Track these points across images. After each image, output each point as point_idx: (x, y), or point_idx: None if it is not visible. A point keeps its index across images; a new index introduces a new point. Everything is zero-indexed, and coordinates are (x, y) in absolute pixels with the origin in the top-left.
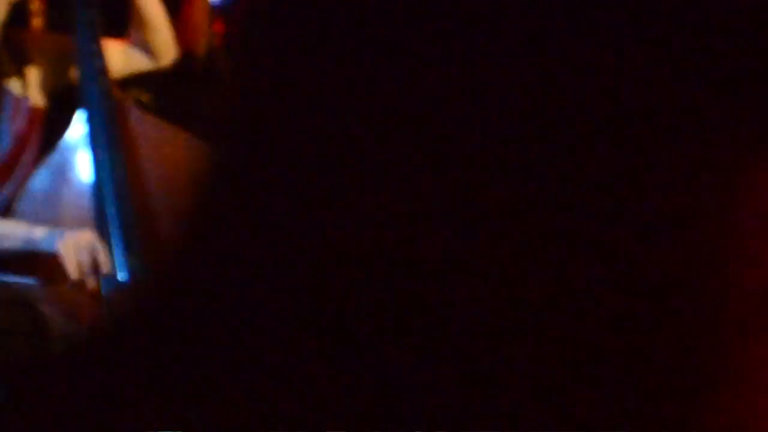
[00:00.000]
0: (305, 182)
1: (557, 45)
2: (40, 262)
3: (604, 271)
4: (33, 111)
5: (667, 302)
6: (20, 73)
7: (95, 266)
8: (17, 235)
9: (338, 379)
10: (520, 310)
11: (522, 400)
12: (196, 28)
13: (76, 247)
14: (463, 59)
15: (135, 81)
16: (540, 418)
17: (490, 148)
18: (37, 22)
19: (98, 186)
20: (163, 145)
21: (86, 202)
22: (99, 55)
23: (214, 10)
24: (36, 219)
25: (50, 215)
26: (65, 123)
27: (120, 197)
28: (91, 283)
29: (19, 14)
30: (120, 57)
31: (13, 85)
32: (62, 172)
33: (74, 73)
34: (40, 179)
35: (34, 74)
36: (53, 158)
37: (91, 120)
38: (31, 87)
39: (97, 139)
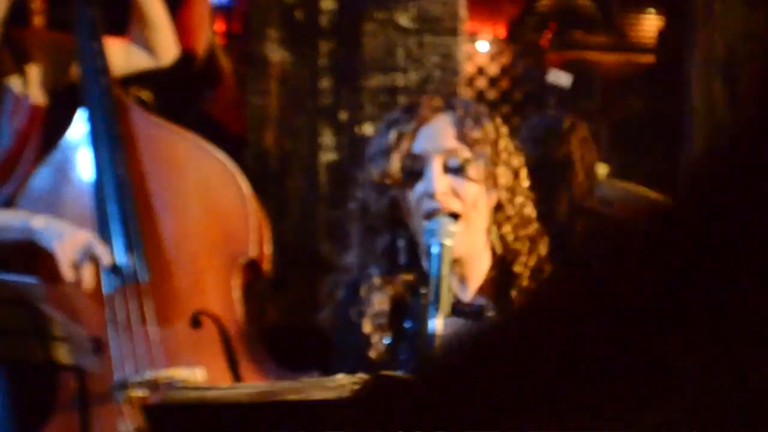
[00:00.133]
0: None
1: None
2: (41, 262)
3: None
4: (34, 109)
5: None
6: (21, 71)
7: (93, 266)
8: (15, 224)
9: None
10: None
11: None
12: (197, 27)
13: (72, 248)
14: None
15: (136, 79)
16: None
17: None
18: (38, 20)
19: (99, 185)
20: (164, 144)
21: (87, 201)
22: (100, 53)
23: (215, 9)
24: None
25: (51, 214)
26: (66, 121)
27: (121, 196)
28: (87, 283)
29: (20, 12)
30: (121, 56)
31: (14, 83)
32: (63, 171)
33: (75, 72)
34: (40, 178)
35: (35, 72)
36: (54, 156)
37: (92, 118)
38: (32, 85)
39: (98, 138)
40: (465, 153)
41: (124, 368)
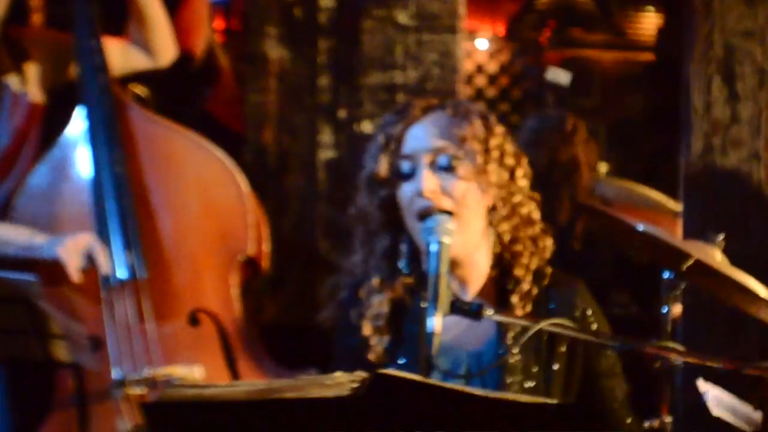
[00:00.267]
0: None
1: None
2: (41, 261)
3: None
4: (32, 107)
5: None
6: (19, 69)
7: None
8: (18, 242)
9: None
10: None
11: None
12: (196, 28)
13: (77, 251)
14: None
15: (134, 77)
16: None
17: None
18: (36, 18)
19: (97, 182)
20: (162, 142)
21: (86, 199)
22: (98, 51)
23: (214, 6)
24: (35, 215)
25: (49, 211)
26: (65, 119)
27: (119, 194)
28: (90, 280)
29: (18, 10)
30: (119, 55)
31: (12, 81)
32: (62, 169)
33: (74, 70)
34: (39, 175)
35: (33, 70)
36: (53, 154)
37: (90, 116)
38: (30, 83)
39: (96, 136)
40: (453, 151)
41: (123, 366)
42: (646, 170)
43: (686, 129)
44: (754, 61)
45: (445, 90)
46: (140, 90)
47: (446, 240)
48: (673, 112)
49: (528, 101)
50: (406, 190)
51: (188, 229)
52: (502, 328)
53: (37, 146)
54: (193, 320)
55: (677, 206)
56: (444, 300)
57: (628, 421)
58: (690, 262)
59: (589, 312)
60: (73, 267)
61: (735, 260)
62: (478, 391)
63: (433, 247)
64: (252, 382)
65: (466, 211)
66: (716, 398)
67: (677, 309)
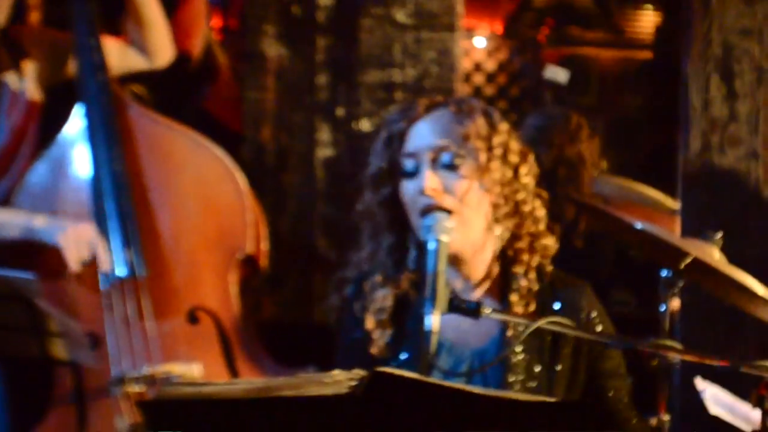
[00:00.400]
0: None
1: None
2: (39, 256)
3: None
4: (30, 105)
5: None
6: (18, 67)
7: (94, 261)
8: (16, 223)
9: None
10: None
11: None
12: (194, 29)
13: (78, 241)
14: None
15: (132, 77)
16: None
17: None
18: (34, 16)
19: (96, 180)
20: (161, 140)
21: (84, 197)
22: (97, 49)
23: (212, 4)
24: (34, 212)
25: (48, 210)
26: (63, 117)
27: (118, 192)
28: (89, 277)
29: (16, 9)
30: (116, 55)
31: (11, 79)
32: (60, 167)
33: (72, 68)
34: (37, 173)
35: (31, 68)
36: (51, 152)
37: (89, 114)
38: (28, 81)
39: (95, 134)
40: (455, 149)
41: (121, 363)
42: (644, 168)
43: (684, 127)
44: (752, 59)
45: (444, 88)
46: (138, 89)
47: (444, 238)
48: (672, 110)
49: (526, 99)
50: (409, 188)
51: (187, 227)
52: (505, 327)
53: (35, 144)
54: (192, 318)
55: (675, 204)
56: (442, 298)
57: (634, 421)
58: (688, 261)
59: (594, 314)
60: (73, 257)
61: (733, 258)
62: (476, 390)
63: (431, 245)
64: (250, 380)
65: (467, 209)
66: (714, 396)
67: (675, 303)
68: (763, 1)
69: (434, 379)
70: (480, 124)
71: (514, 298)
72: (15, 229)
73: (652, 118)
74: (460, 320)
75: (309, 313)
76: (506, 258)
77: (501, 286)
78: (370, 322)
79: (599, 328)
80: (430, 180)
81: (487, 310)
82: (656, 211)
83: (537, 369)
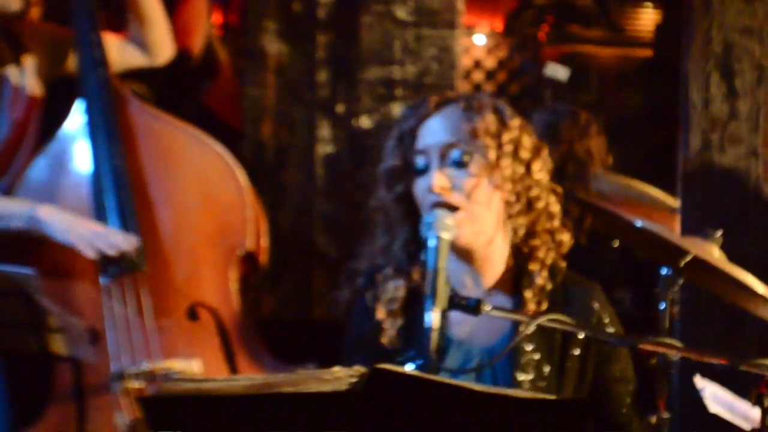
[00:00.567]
0: None
1: None
2: (38, 253)
3: None
4: (31, 100)
5: None
6: (18, 62)
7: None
8: (20, 213)
9: None
10: None
11: None
12: (194, 26)
13: (86, 232)
14: None
15: (132, 74)
16: None
17: None
18: (35, 11)
19: (97, 176)
20: (161, 136)
21: (85, 192)
22: (98, 45)
23: (212, 1)
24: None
25: (48, 204)
26: (64, 112)
27: (118, 187)
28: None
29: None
30: (116, 52)
31: (12, 73)
32: (61, 162)
33: (73, 63)
34: (38, 168)
35: (32, 63)
36: (52, 147)
37: (89, 109)
38: (29, 76)
39: (95, 129)
40: (464, 146)
41: (121, 359)
42: (643, 166)
43: (684, 125)
44: (752, 57)
45: (444, 85)
46: (138, 87)
47: (445, 235)
48: (672, 109)
49: (526, 97)
50: (420, 185)
51: (187, 224)
52: (516, 324)
53: (36, 139)
54: (192, 314)
55: (675, 202)
56: (442, 295)
57: (635, 425)
58: (688, 259)
59: (606, 318)
60: (89, 249)
61: (733, 257)
62: (476, 387)
63: (432, 242)
64: (250, 377)
65: (475, 206)
66: (713, 395)
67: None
68: (763, 0)
69: (433, 375)
70: (489, 120)
71: (528, 295)
72: (18, 219)
73: (652, 117)
74: (472, 318)
75: (308, 309)
76: (521, 255)
77: (515, 282)
78: (381, 312)
79: (610, 331)
80: (438, 178)
81: (487, 308)
82: (656, 210)
83: (546, 369)
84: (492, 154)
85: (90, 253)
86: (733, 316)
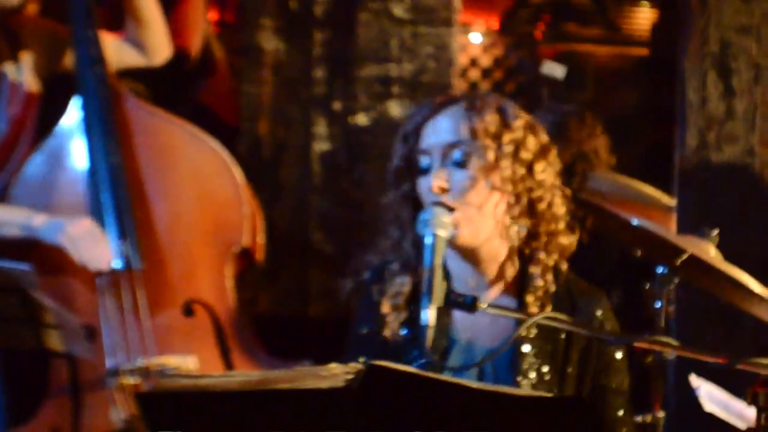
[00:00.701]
0: None
1: None
2: (34, 249)
3: None
4: (29, 96)
5: None
6: (16, 59)
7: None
8: (16, 222)
9: None
10: None
11: None
12: (191, 27)
13: (79, 237)
14: None
15: (129, 73)
16: None
17: None
18: (32, 8)
19: (93, 172)
20: (158, 133)
21: (81, 188)
22: (95, 42)
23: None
24: (31, 204)
25: (45, 201)
26: (61, 109)
27: (115, 184)
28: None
29: None
30: (113, 52)
31: (9, 69)
32: (57, 158)
33: (70, 59)
34: (35, 165)
35: (29, 60)
36: (48, 144)
37: (86, 106)
38: (26, 72)
39: (92, 126)
40: (465, 146)
41: (117, 355)
42: (640, 165)
43: (681, 124)
44: (749, 56)
45: (440, 83)
46: (135, 86)
47: (441, 233)
48: (668, 107)
49: (522, 95)
50: (423, 185)
51: (183, 220)
52: (519, 326)
53: (34, 135)
54: (188, 311)
55: (671, 201)
56: (438, 292)
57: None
58: (684, 257)
59: (608, 326)
60: (77, 252)
61: (729, 255)
62: (472, 384)
63: (428, 240)
64: (246, 373)
65: (468, 207)
66: (709, 394)
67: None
68: None
69: (430, 373)
70: (489, 120)
71: (530, 298)
72: (15, 227)
73: (648, 115)
74: (476, 319)
75: (304, 306)
76: (524, 257)
77: (518, 285)
78: (386, 306)
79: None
80: (437, 178)
81: (483, 305)
82: (652, 208)
83: (548, 372)
84: (491, 155)
85: (78, 261)
86: (729, 314)
